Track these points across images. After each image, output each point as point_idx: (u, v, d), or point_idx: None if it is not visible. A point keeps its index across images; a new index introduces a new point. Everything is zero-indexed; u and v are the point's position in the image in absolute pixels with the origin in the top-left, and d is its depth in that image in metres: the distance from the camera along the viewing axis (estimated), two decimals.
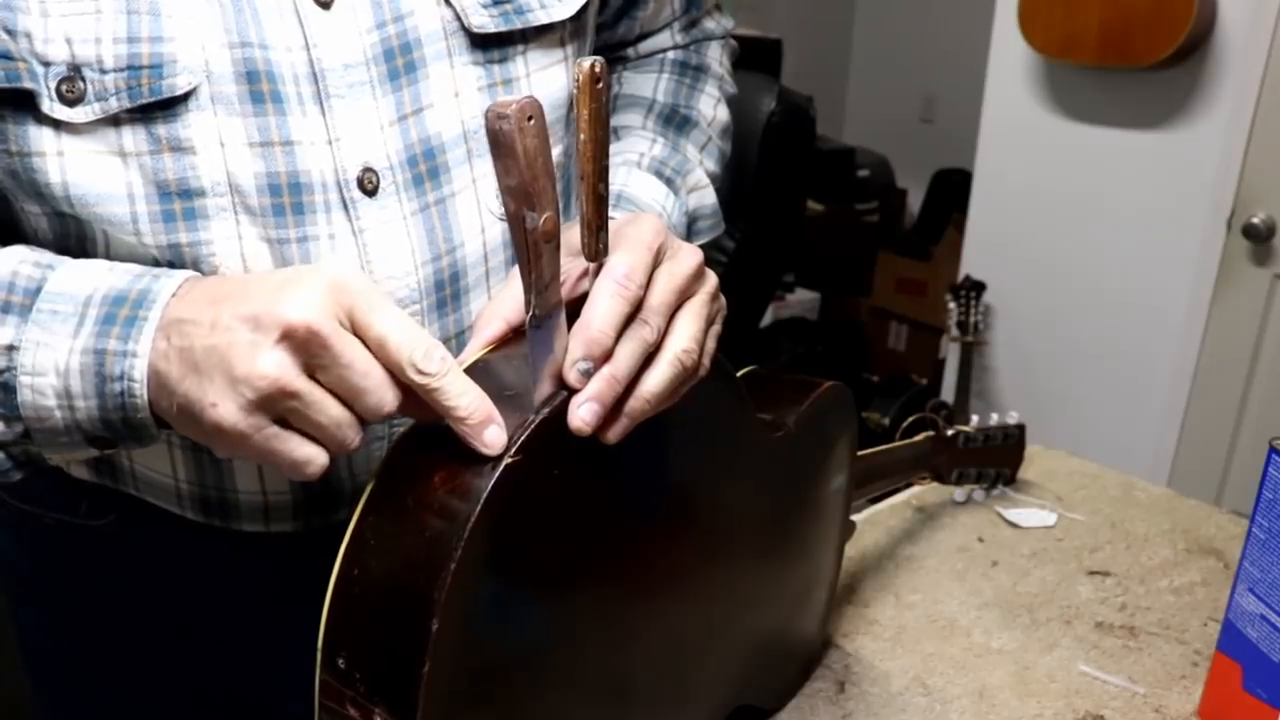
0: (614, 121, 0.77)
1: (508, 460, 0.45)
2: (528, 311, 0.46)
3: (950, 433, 1.01)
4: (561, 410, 0.47)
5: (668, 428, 0.54)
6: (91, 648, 0.73)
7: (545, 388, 0.48)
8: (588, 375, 0.47)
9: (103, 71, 0.50)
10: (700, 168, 0.76)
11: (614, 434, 0.49)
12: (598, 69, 0.44)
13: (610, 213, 0.51)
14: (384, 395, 0.45)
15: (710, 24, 0.83)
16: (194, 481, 0.63)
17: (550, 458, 0.48)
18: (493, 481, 0.44)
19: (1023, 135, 2.41)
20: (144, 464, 0.64)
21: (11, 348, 0.47)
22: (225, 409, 0.45)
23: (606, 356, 0.47)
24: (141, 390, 0.47)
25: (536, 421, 0.47)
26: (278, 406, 0.45)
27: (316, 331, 0.44)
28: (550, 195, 0.44)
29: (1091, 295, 2.36)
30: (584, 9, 0.64)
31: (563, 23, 0.63)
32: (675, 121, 0.77)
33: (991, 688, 0.81)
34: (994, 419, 1.08)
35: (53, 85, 0.50)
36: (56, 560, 0.71)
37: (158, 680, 0.72)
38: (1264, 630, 0.72)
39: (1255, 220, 2.06)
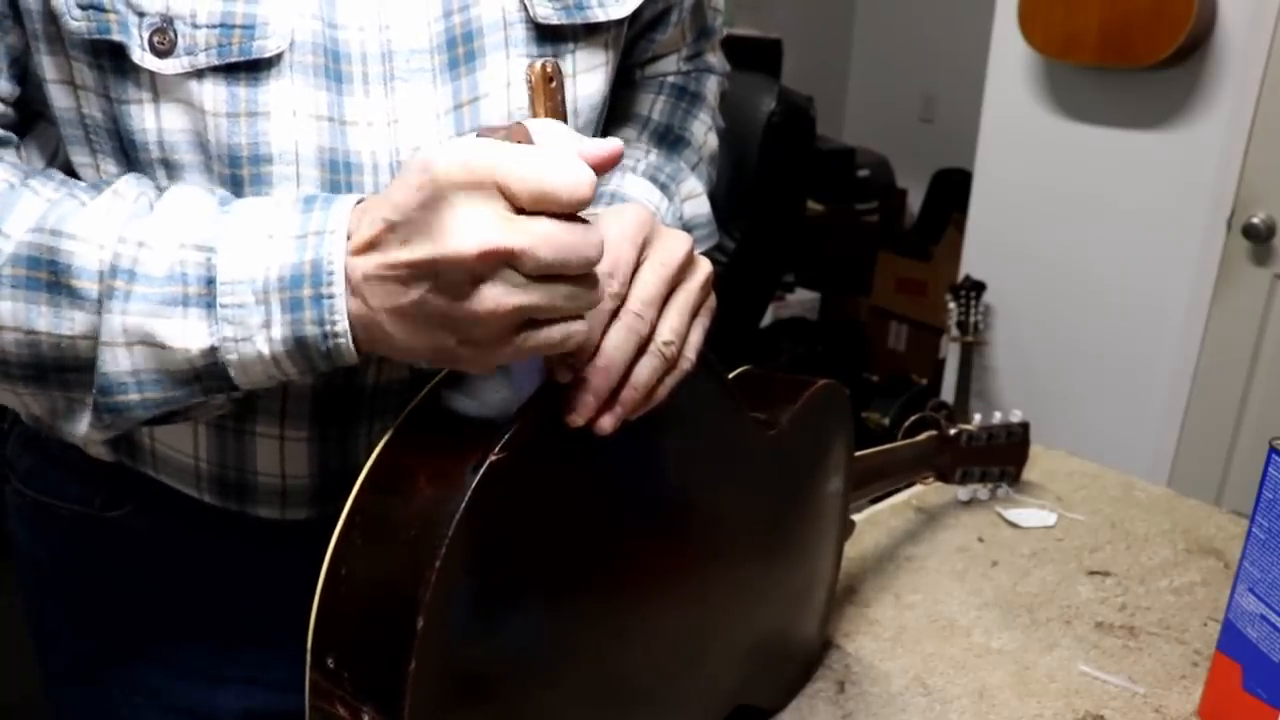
0: (609, 135, 0.78)
1: (492, 458, 0.44)
2: None
3: (953, 432, 1.01)
4: (548, 408, 0.47)
5: (658, 426, 0.54)
6: (106, 642, 0.73)
7: (529, 386, 0.47)
8: (573, 370, 0.47)
9: (195, 26, 0.51)
10: (694, 176, 0.77)
11: (608, 423, 0.48)
12: (549, 69, 0.45)
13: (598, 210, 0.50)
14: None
15: (712, 58, 0.85)
16: (214, 461, 0.63)
17: (537, 456, 0.47)
18: (477, 480, 0.44)
19: (1023, 135, 2.41)
20: (165, 443, 0.64)
21: (213, 349, 0.48)
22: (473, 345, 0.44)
23: (591, 352, 0.47)
24: (350, 349, 0.47)
25: (522, 419, 0.46)
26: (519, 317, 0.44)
27: (504, 249, 0.42)
28: None
29: (1091, 295, 2.36)
30: (630, 15, 0.65)
31: (611, 25, 0.64)
32: (669, 140, 0.78)
33: (991, 688, 0.80)
34: (996, 417, 1.07)
35: (145, 35, 0.50)
36: (73, 553, 0.71)
37: (172, 674, 0.71)
38: (1264, 630, 0.71)
39: (1255, 220, 2.06)
